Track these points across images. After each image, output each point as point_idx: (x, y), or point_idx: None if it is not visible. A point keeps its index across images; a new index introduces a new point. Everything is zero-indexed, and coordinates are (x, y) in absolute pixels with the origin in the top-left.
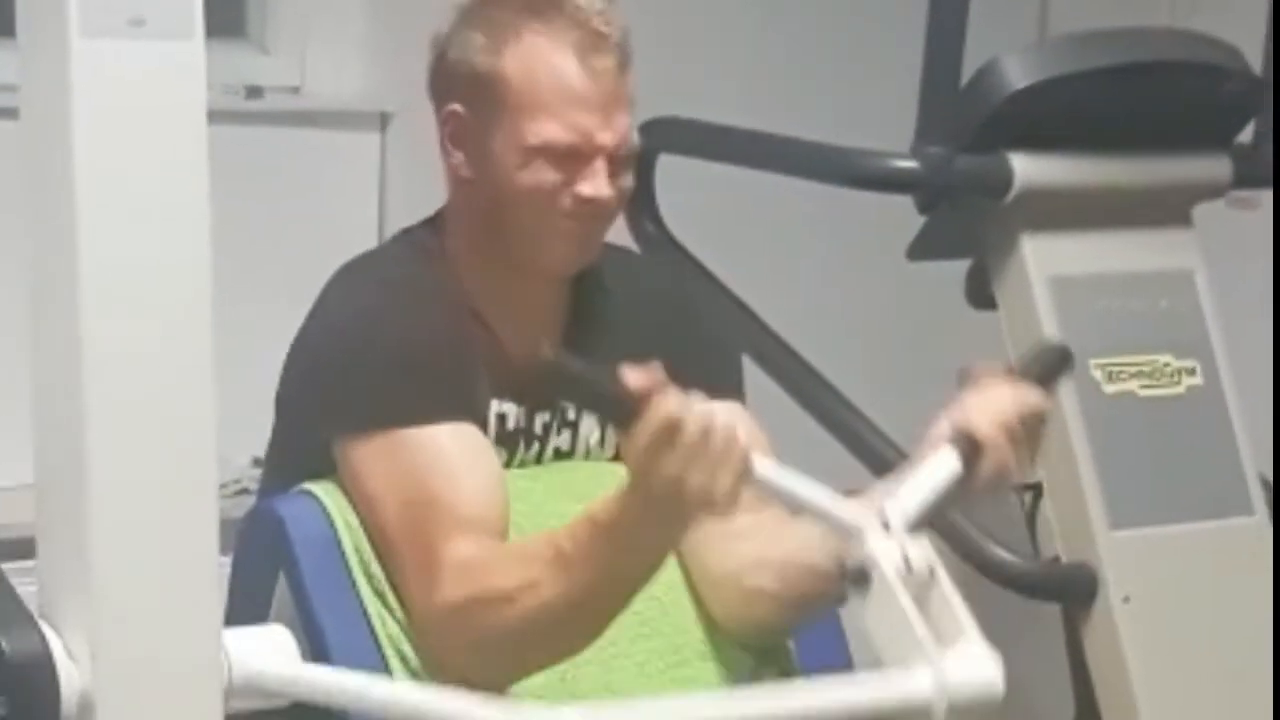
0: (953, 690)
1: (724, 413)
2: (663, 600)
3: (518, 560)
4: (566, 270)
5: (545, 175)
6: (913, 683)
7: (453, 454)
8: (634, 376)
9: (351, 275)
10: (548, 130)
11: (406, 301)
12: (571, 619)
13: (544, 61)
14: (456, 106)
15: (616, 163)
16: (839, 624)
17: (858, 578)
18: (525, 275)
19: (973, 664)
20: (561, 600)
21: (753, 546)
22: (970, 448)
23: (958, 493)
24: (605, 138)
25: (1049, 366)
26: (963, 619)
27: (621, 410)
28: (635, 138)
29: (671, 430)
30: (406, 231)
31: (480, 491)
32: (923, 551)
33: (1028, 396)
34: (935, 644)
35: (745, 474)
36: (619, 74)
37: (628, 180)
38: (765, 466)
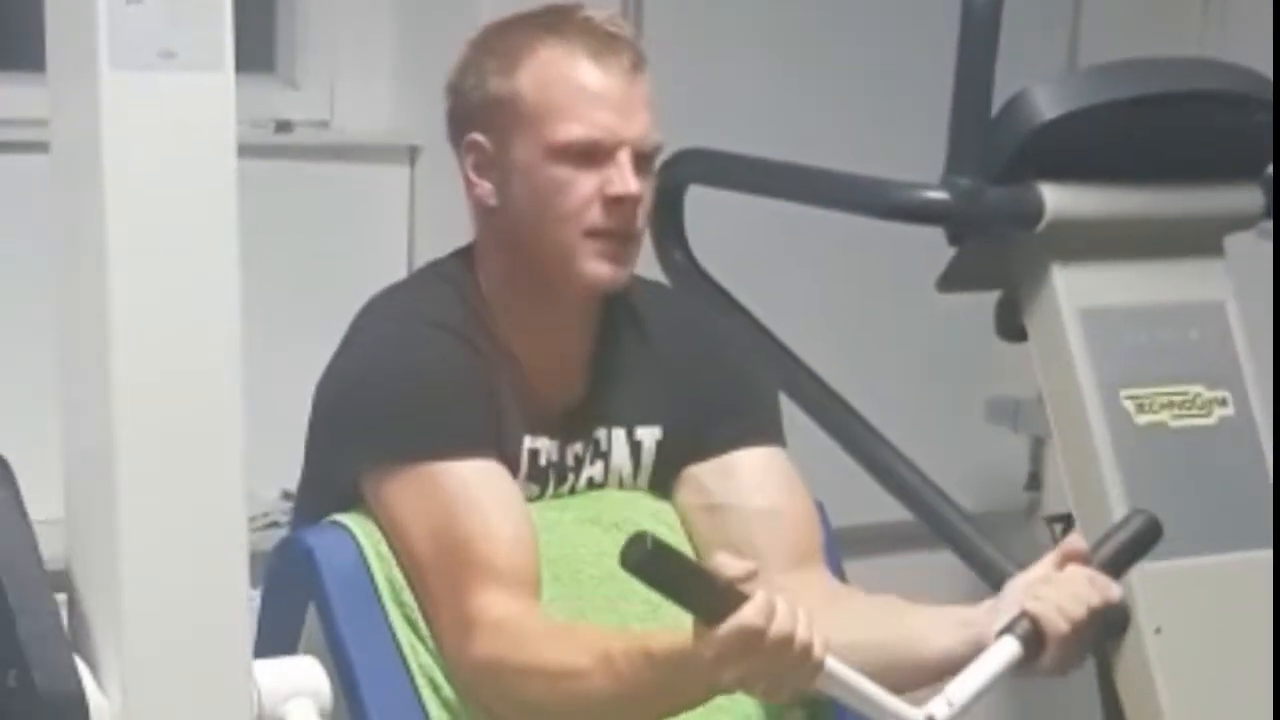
0: None
1: (805, 622)
2: None
3: (561, 640)
4: (602, 286)
5: (573, 181)
6: None
7: (483, 495)
8: (729, 567)
9: (381, 308)
10: (568, 131)
11: (438, 335)
12: (609, 714)
13: (557, 69)
14: (477, 136)
15: (642, 160)
16: None
17: None
18: (557, 306)
19: None
20: (600, 699)
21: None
22: (1035, 639)
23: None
24: (627, 131)
25: (1137, 542)
26: None
27: (712, 607)
28: (658, 137)
29: (755, 639)
30: (434, 264)
31: (512, 538)
32: (1000, 657)
33: (1105, 590)
34: None
35: (815, 676)
36: (634, 72)
37: (650, 184)
38: (834, 666)
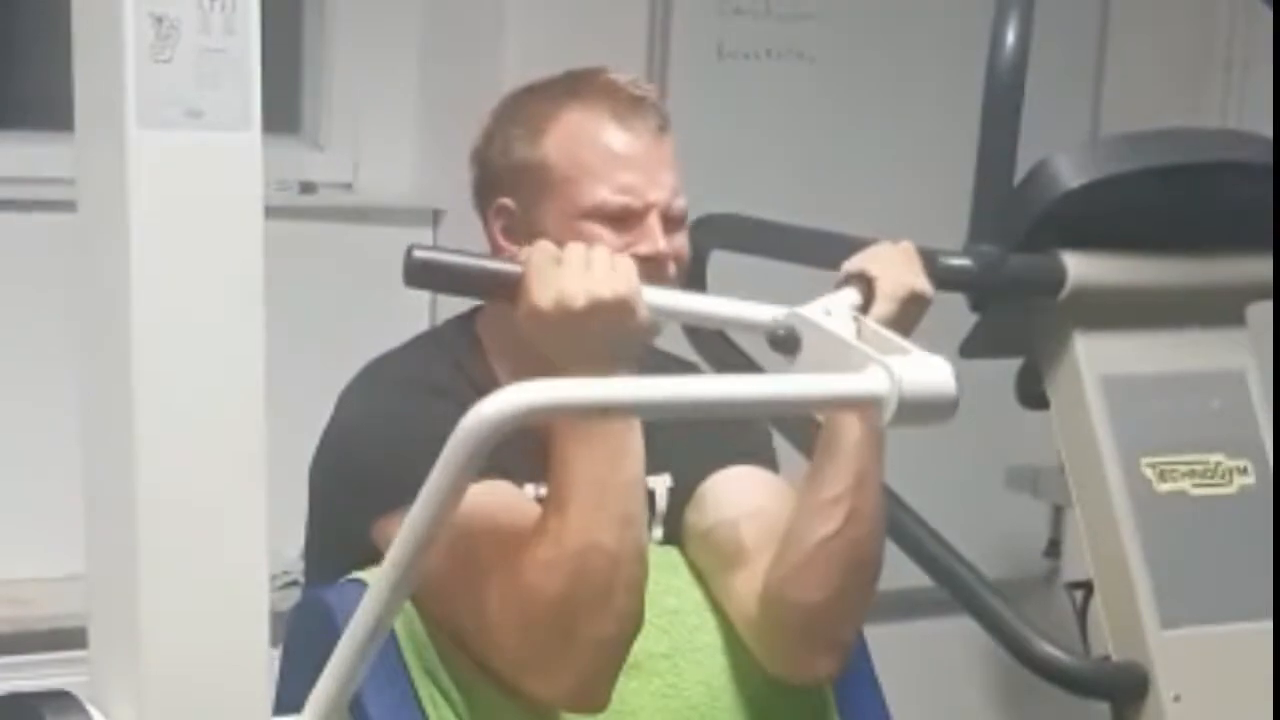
0: (905, 384)
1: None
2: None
3: (537, 538)
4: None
5: (601, 239)
6: (863, 380)
7: (496, 504)
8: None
9: (370, 375)
10: (597, 195)
11: (426, 395)
12: (598, 525)
13: (584, 132)
14: (505, 200)
15: (670, 221)
16: (877, 684)
17: (786, 340)
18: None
19: (922, 364)
20: (579, 522)
21: (765, 559)
22: (864, 281)
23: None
24: (654, 195)
25: None
26: (904, 342)
27: (507, 277)
28: (684, 201)
29: (554, 256)
30: (429, 331)
31: (527, 529)
32: (842, 302)
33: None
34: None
35: (633, 283)
36: (660, 133)
37: (683, 242)
38: (660, 294)
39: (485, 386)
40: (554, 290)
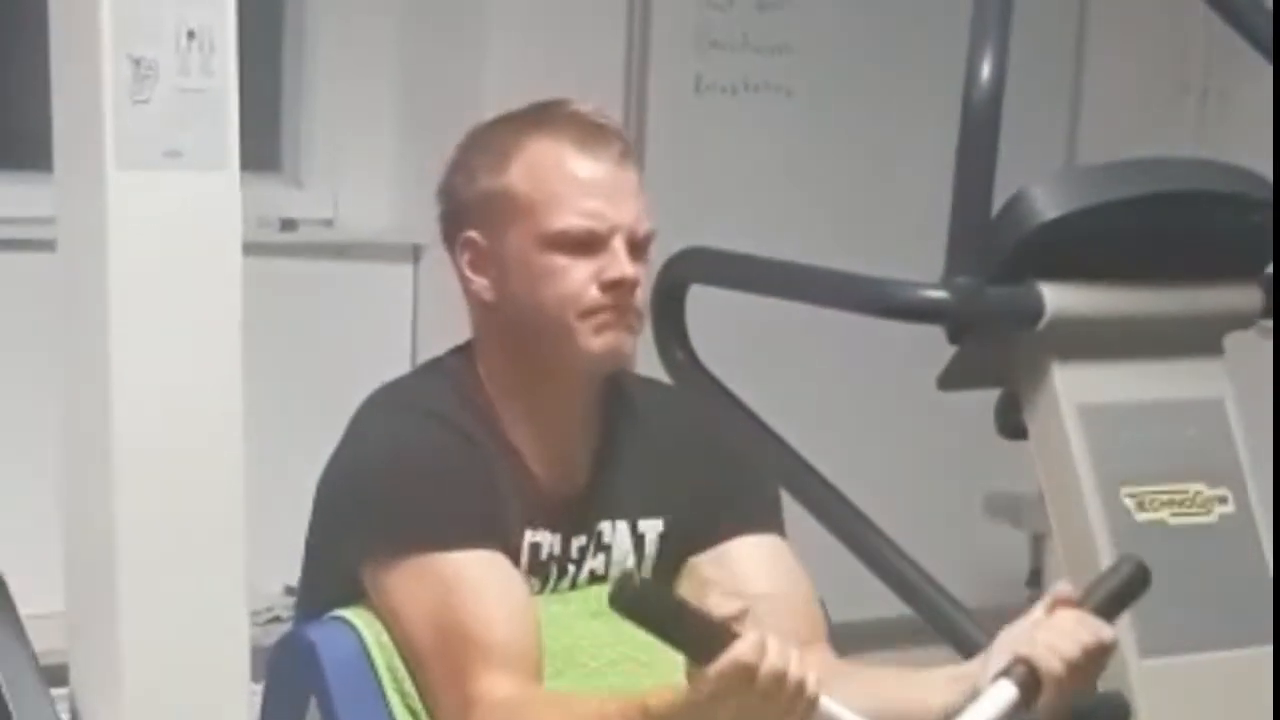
0: None
1: (798, 659)
2: None
3: (560, 712)
4: (603, 360)
5: (568, 268)
6: None
7: (482, 581)
8: (720, 607)
9: (380, 402)
10: (561, 220)
11: (436, 428)
12: None
13: (547, 160)
14: (471, 233)
15: (636, 247)
16: None
17: None
18: (558, 397)
19: None
20: None
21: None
22: (1030, 681)
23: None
24: (619, 218)
25: (1126, 587)
26: None
27: (702, 646)
28: (650, 225)
29: (748, 675)
30: (435, 360)
31: (513, 624)
32: (999, 702)
33: (1096, 631)
34: None
35: (810, 714)
36: (623, 160)
37: (646, 268)
38: (830, 706)
39: (485, 412)
40: (736, 710)
